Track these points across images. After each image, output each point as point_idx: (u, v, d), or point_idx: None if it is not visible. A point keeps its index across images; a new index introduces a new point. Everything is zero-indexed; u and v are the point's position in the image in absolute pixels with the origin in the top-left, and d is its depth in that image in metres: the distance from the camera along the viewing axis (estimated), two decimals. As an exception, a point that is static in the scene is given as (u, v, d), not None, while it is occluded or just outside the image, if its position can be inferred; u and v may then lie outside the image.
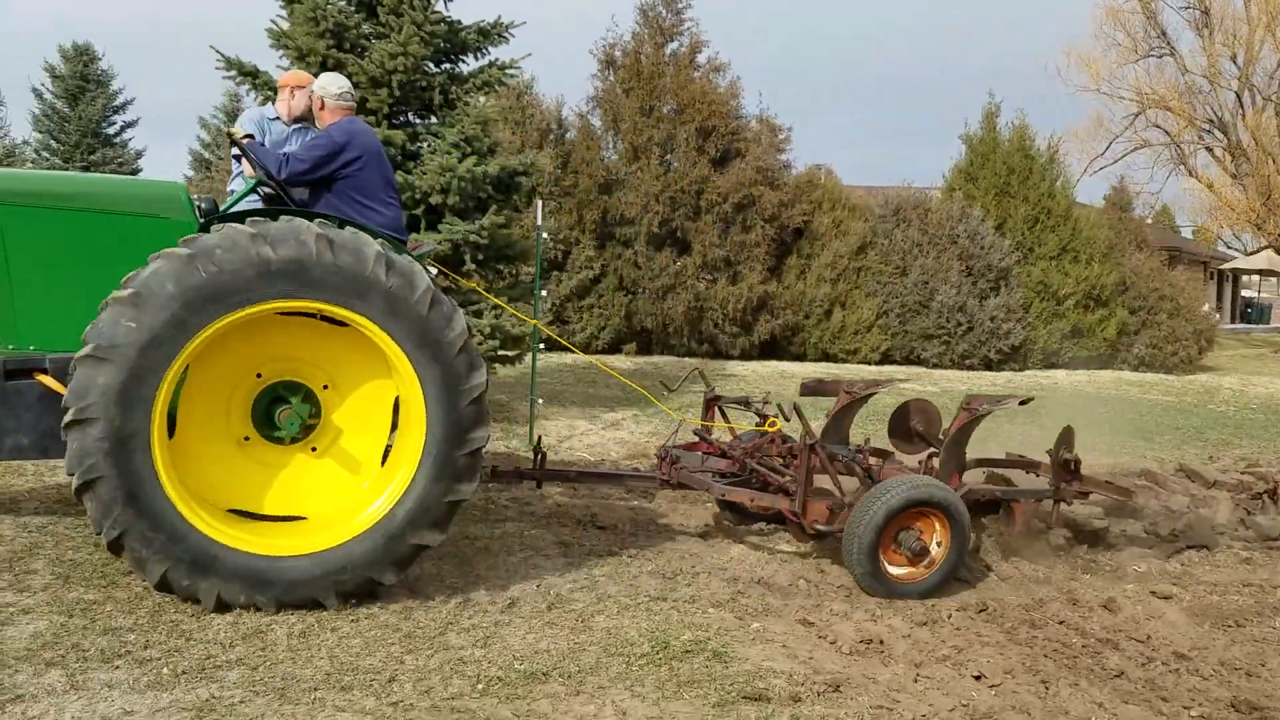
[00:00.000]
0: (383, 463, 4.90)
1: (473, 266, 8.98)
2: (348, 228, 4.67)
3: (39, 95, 36.37)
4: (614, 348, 16.88)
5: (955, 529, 5.37)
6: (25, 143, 33.81)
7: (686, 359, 16.42)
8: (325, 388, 4.92)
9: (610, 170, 17.34)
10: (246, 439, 4.82)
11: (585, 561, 5.49)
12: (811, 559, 5.85)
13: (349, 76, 8.86)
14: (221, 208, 5.21)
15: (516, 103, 17.40)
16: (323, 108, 5.46)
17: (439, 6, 9.56)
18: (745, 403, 6.59)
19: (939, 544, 5.41)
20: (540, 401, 8.46)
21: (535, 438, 6.25)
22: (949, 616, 5.00)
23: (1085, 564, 6.04)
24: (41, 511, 5.68)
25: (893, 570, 5.36)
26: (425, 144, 9.16)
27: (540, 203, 9.16)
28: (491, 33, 9.74)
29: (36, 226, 4.73)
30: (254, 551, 4.44)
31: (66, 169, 35.16)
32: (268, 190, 5.38)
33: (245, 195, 5.42)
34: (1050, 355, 18.98)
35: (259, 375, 4.83)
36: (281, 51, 9.15)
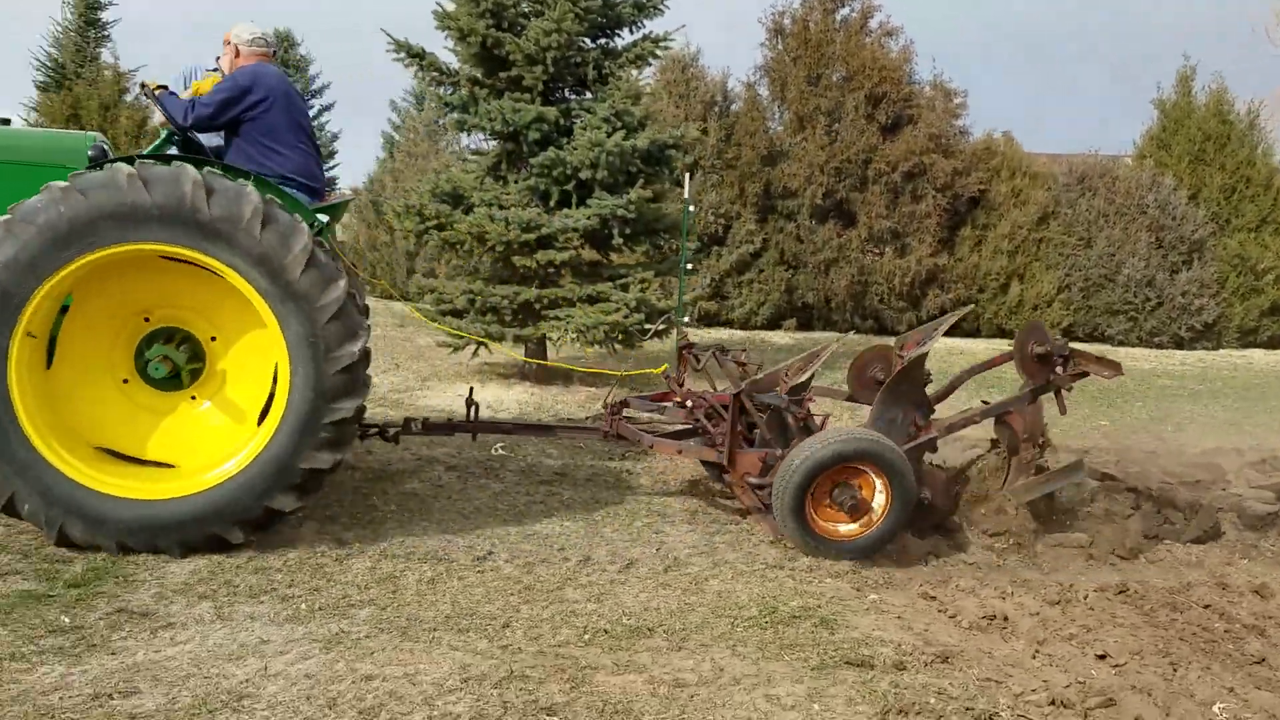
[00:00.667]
0: (259, 421, 4.86)
1: (620, 240, 9.15)
2: (240, 179, 4.68)
3: (248, 83, 38.96)
4: (773, 323, 16.74)
5: (895, 482, 5.09)
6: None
7: (850, 335, 16.17)
8: (213, 339, 4.98)
9: (774, 141, 17.17)
10: (126, 380, 4.90)
11: (708, 529, 5.57)
12: (948, 536, 5.72)
13: (505, 55, 9.20)
14: None
15: (681, 75, 17.46)
16: (237, 55, 5.50)
17: (595, -19, 9.72)
18: (722, 350, 6.15)
19: (879, 499, 5.16)
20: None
21: (468, 390, 6.21)
22: (1085, 597, 4.80)
23: (1245, 549, 5.65)
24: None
25: (828, 526, 5.17)
26: (578, 120, 9.37)
27: (689, 176, 9.22)
28: (646, 6, 9.84)
29: None
30: (102, 490, 4.49)
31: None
32: (191, 139, 5.48)
33: (161, 145, 5.48)
34: (1247, 333, 17.56)
35: (146, 319, 4.92)
36: (446, 33, 9.55)
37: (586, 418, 7.47)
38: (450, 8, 9.49)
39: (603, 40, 9.87)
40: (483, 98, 9.31)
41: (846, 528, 5.19)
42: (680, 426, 6.17)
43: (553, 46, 9.10)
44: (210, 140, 5.53)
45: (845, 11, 17.95)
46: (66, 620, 3.80)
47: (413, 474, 6.24)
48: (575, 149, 9.00)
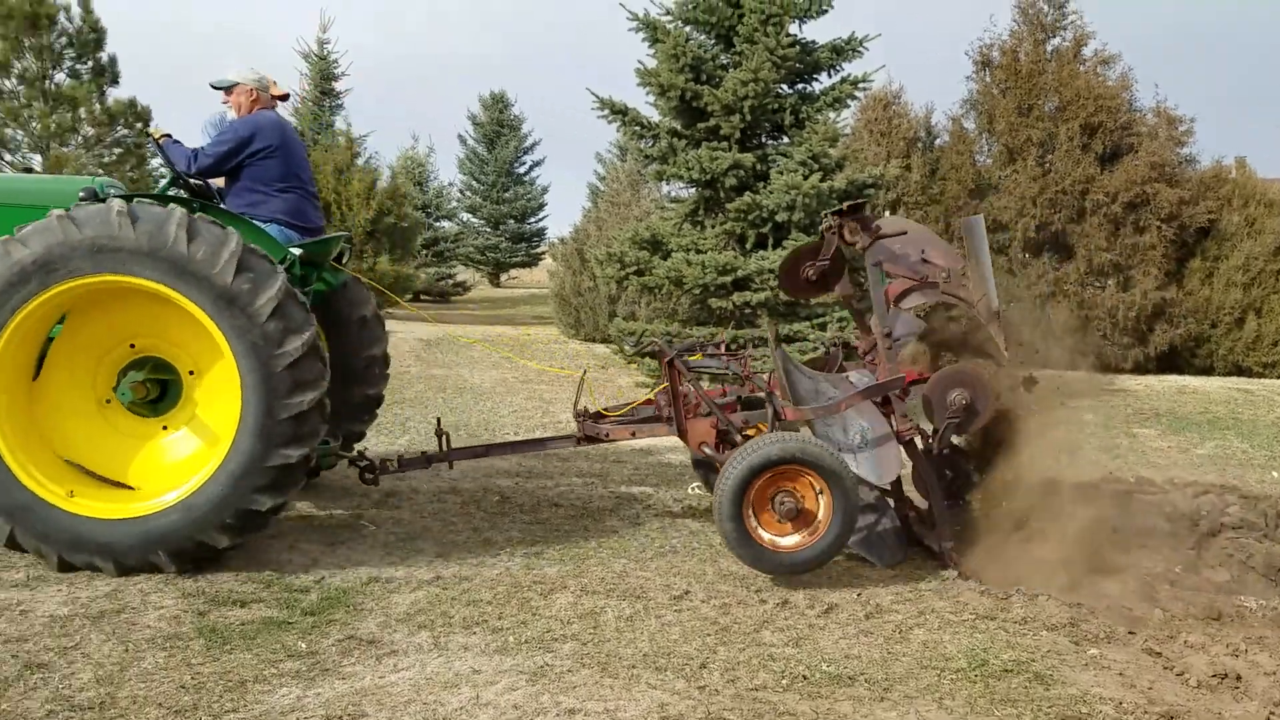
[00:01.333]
0: None
1: (819, 280, 9.11)
2: (190, 211, 4.85)
3: (463, 141, 41.38)
4: (985, 360, 16.12)
5: (835, 487, 4.90)
6: (451, 184, 38.61)
7: (1065, 373, 15.29)
8: (191, 373, 5.18)
9: (982, 174, 16.65)
10: (108, 401, 5.15)
11: (912, 576, 5.42)
12: (1178, 588, 5.33)
13: (703, 107, 9.44)
14: None
15: (882, 113, 17.27)
16: (254, 101, 5.84)
17: (792, 29, 9.83)
18: (697, 347, 5.97)
19: (822, 507, 4.96)
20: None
21: (436, 420, 6.24)
22: (1333, 660, 4.35)
23: None
24: (433, 500, 6.61)
25: (769, 537, 4.99)
26: (774, 164, 9.46)
27: (889, 213, 9.10)
28: (845, 49, 9.86)
29: None
30: (69, 510, 4.73)
31: (483, 207, 39.74)
32: (196, 184, 5.82)
33: (166, 188, 5.74)
34: None
35: (132, 345, 5.18)
36: (646, 88, 9.90)
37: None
38: (651, 65, 9.83)
39: (800, 86, 9.97)
40: (681, 148, 9.57)
41: (791, 539, 5.04)
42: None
43: (750, 96, 9.26)
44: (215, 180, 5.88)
45: (1057, 41, 17.29)
46: (303, 646, 4.13)
47: (612, 511, 6.41)
48: (771, 193, 9.09)
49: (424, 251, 30.43)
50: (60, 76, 20.31)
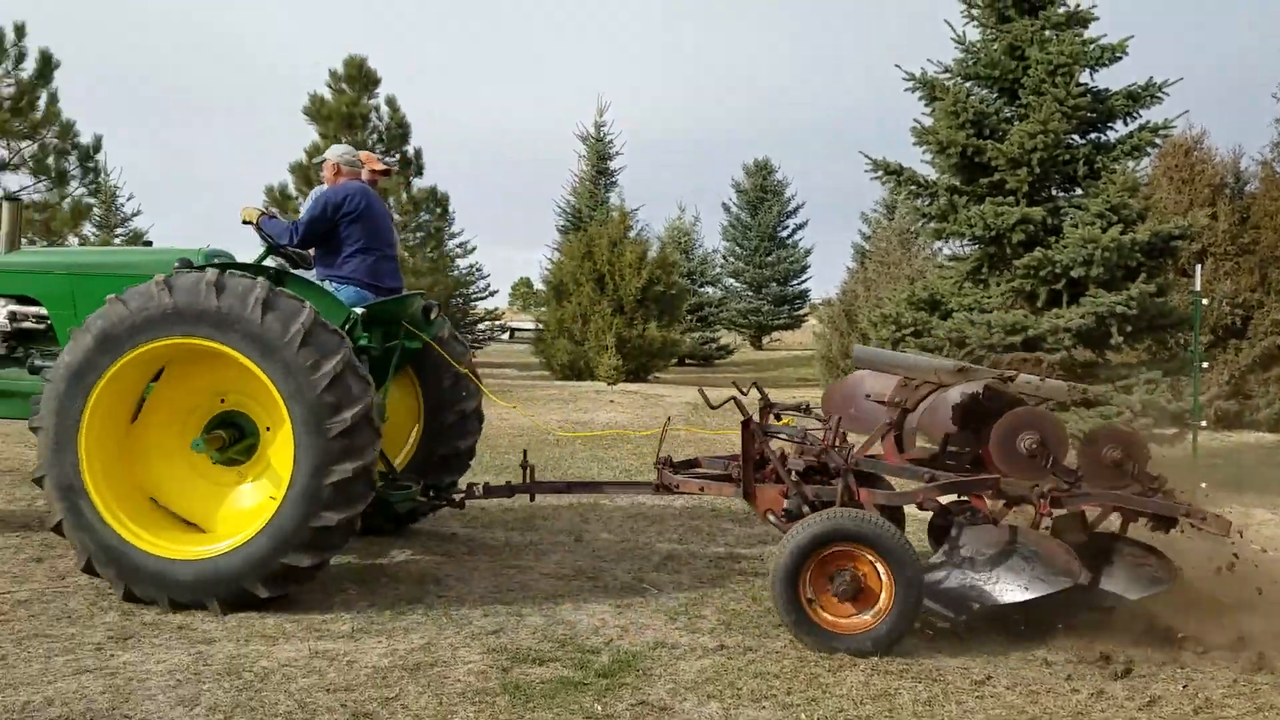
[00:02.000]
0: None
1: (1120, 339, 8.45)
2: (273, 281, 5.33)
3: (726, 209, 42.17)
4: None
5: (895, 565, 4.69)
6: (714, 250, 39.36)
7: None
8: (268, 429, 5.58)
9: (1302, 221, 14.93)
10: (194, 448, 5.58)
11: (1245, 666, 4.80)
12: None
13: (987, 162, 9.10)
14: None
15: (1184, 160, 15.95)
16: (335, 174, 6.47)
17: (1083, 78, 9.33)
18: (804, 409, 5.96)
19: (884, 586, 4.74)
20: (1204, 486, 7.58)
21: (522, 452, 6.30)
22: None
23: None
24: (711, 565, 6.62)
25: (830, 617, 4.84)
26: (1067, 217, 8.93)
27: (1201, 266, 8.33)
28: (1142, 95, 9.24)
29: (95, 288, 5.97)
30: (147, 550, 5.18)
31: (746, 271, 40.20)
32: (296, 252, 6.23)
33: (263, 256, 6.13)
34: None
35: (222, 400, 5.65)
36: (924, 147, 9.67)
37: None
38: (928, 123, 9.62)
39: (1093, 135, 9.40)
40: (962, 205, 9.25)
41: (848, 619, 4.87)
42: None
43: (1038, 148, 8.84)
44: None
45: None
46: (599, 708, 4.21)
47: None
48: (1065, 247, 8.56)
49: (689, 316, 31.12)
50: (372, 168, 22.57)
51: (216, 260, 5.88)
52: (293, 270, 6.20)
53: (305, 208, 6.44)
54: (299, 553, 5.14)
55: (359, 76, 22.29)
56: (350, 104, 21.82)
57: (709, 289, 35.91)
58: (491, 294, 34.14)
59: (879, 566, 4.80)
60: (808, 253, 40.95)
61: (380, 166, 6.73)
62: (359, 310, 5.86)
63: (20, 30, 16.64)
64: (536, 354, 25.82)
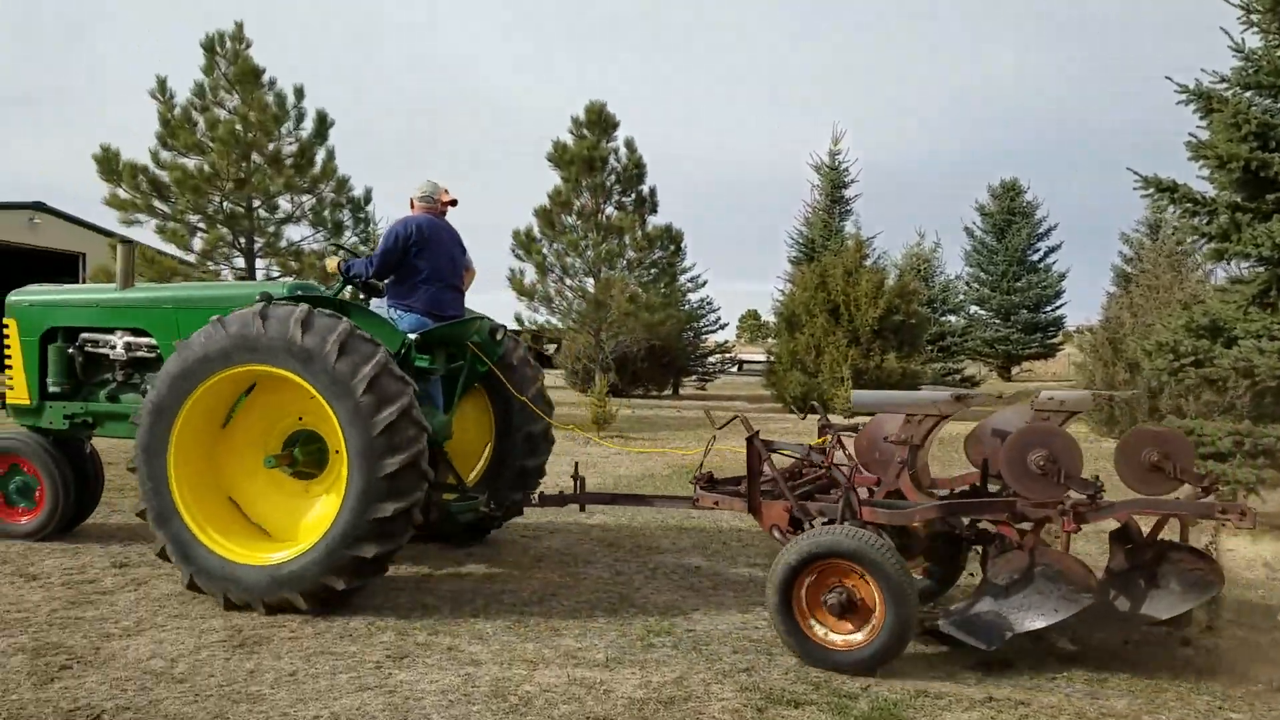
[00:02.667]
0: None
1: None
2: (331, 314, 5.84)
3: (970, 233, 40.52)
4: None
5: (883, 581, 4.76)
6: (957, 277, 37.87)
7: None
8: (336, 452, 5.98)
9: None
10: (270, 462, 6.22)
11: None
12: None
13: (1273, 176, 8.23)
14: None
15: None
16: (412, 207, 7.03)
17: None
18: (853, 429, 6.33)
19: (875, 603, 4.81)
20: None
21: (574, 465, 6.71)
22: None
23: None
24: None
25: (823, 634, 5.00)
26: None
27: None
28: None
29: (197, 320, 6.41)
30: (210, 547, 5.84)
31: (993, 298, 38.41)
32: (372, 284, 7.00)
33: (339, 290, 7.03)
34: None
35: (300, 419, 6.25)
36: (1200, 162, 8.90)
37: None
38: (1204, 137, 8.84)
39: None
40: (1245, 223, 8.42)
41: (844, 637, 4.97)
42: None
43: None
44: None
45: None
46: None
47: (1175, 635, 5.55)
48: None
49: (930, 346, 30.08)
50: (609, 209, 23.44)
51: (298, 293, 6.54)
52: (364, 299, 7.19)
53: (380, 240, 6.97)
54: (364, 544, 5.59)
55: (599, 121, 23.16)
56: (590, 148, 22.68)
57: (951, 317, 34.56)
58: (721, 327, 34.41)
59: (870, 583, 4.85)
60: (1062, 277, 38.68)
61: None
62: (413, 336, 6.50)
63: (300, 92, 18.41)
64: (767, 386, 25.70)
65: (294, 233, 18.86)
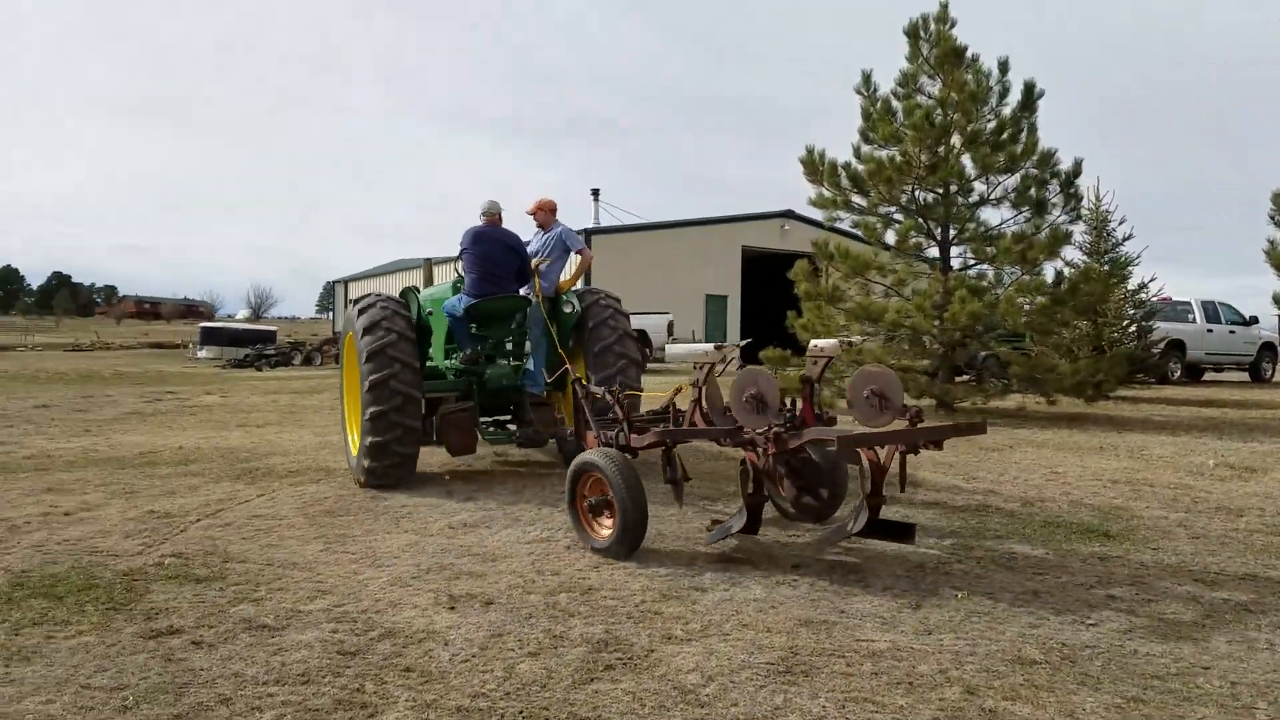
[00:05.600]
0: None
1: None
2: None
3: None
4: None
5: (614, 489, 6.24)
6: None
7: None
8: None
9: None
10: None
11: None
12: None
13: None
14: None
15: None
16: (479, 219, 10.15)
17: None
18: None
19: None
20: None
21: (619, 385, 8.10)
22: None
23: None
24: None
25: (594, 527, 6.67)
26: None
27: None
28: None
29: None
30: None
31: None
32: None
33: (449, 288, 10.59)
34: None
35: None
36: None
37: None
38: None
39: None
40: None
41: (606, 531, 6.57)
42: None
43: None
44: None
45: None
46: None
47: None
48: None
49: None
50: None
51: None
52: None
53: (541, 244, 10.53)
54: (365, 459, 9.10)
55: None
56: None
57: None
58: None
59: (610, 490, 6.36)
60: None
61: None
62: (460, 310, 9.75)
63: (1004, 66, 17.15)
64: None
65: (993, 215, 17.68)
